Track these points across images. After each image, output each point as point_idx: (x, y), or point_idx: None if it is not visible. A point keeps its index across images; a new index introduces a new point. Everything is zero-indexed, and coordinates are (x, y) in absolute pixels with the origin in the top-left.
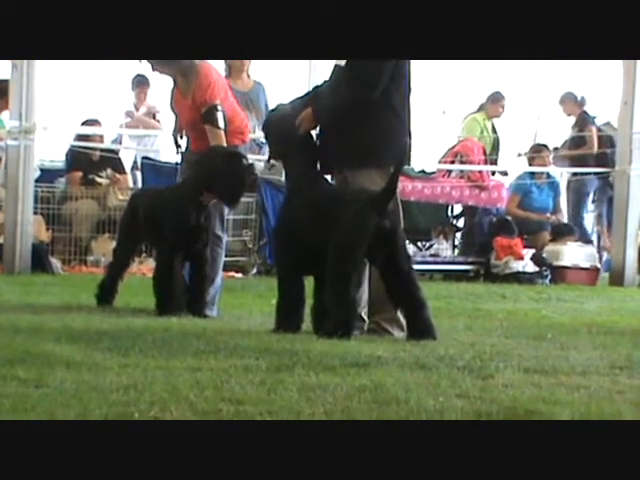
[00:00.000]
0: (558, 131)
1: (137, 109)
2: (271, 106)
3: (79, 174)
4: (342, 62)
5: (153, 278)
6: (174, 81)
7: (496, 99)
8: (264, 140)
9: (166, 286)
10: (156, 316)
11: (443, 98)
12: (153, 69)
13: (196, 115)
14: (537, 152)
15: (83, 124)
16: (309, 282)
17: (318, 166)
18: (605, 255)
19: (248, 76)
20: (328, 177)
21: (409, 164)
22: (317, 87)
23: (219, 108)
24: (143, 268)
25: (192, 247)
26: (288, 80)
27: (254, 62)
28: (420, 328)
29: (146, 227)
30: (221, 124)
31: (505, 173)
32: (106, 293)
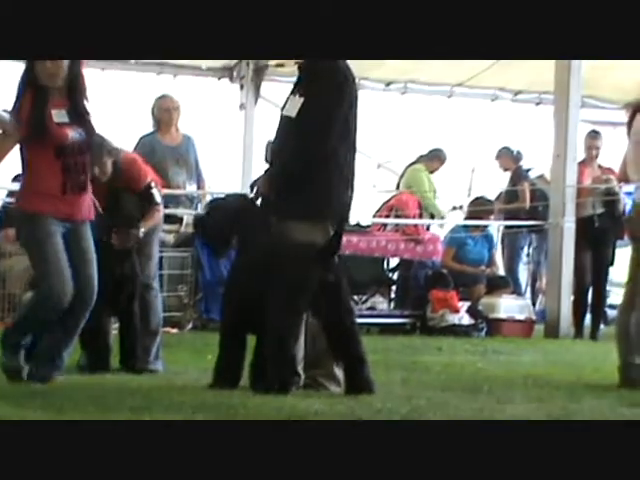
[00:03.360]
0: (492, 184)
1: None
2: (201, 158)
3: (12, 231)
4: (290, 113)
5: (80, 335)
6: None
7: (438, 156)
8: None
9: (94, 342)
10: (88, 373)
11: (378, 152)
12: None
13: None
14: (480, 205)
15: (14, 180)
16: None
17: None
18: (540, 298)
19: (177, 130)
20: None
21: (348, 221)
22: (270, 142)
23: (152, 185)
24: None
25: (117, 299)
26: (221, 131)
27: (183, 116)
28: (359, 384)
29: None
30: (159, 199)
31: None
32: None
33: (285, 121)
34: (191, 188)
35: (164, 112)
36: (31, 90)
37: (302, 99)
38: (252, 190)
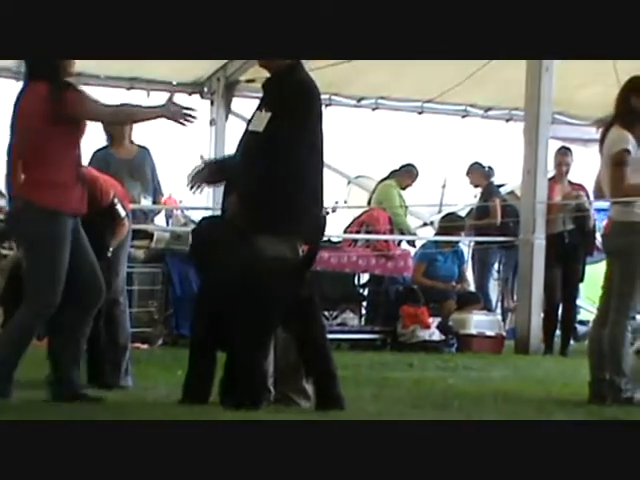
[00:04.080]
0: (463, 200)
1: None
2: (159, 167)
3: None
4: (257, 128)
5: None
6: None
7: (410, 172)
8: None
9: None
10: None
11: (349, 168)
12: None
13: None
14: (451, 221)
15: None
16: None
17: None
18: (510, 316)
19: (131, 142)
20: None
21: (322, 236)
22: (225, 159)
23: (116, 202)
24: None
25: None
26: (191, 146)
27: (136, 128)
28: (329, 400)
29: None
30: (123, 213)
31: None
32: None
33: (251, 137)
34: (146, 201)
35: (116, 126)
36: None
37: (269, 114)
38: (223, 208)
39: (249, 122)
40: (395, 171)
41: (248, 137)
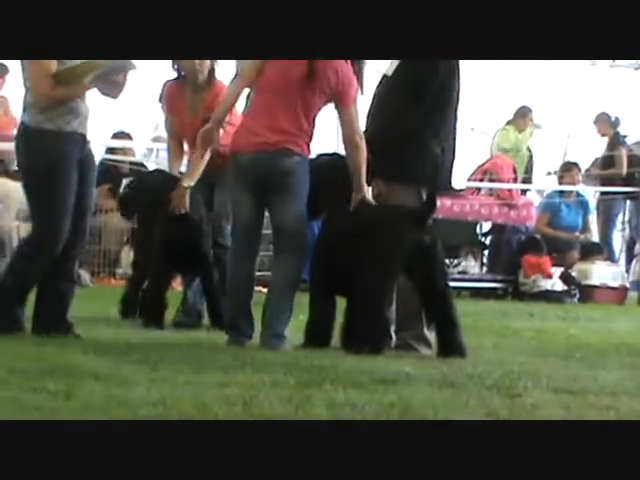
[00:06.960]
0: (588, 149)
1: None
2: None
3: (108, 187)
4: (388, 72)
5: (142, 292)
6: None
7: (523, 113)
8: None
9: (151, 301)
10: (143, 328)
11: (471, 115)
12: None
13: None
14: (567, 170)
15: (113, 137)
16: (341, 300)
17: None
18: (633, 267)
19: None
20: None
21: (450, 185)
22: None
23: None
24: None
25: (183, 262)
26: None
27: None
28: (450, 347)
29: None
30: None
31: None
32: (129, 307)
33: (382, 80)
34: None
35: None
36: None
37: (398, 60)
38: None
39: None
40: (509, 120)
41: (381, 79)
